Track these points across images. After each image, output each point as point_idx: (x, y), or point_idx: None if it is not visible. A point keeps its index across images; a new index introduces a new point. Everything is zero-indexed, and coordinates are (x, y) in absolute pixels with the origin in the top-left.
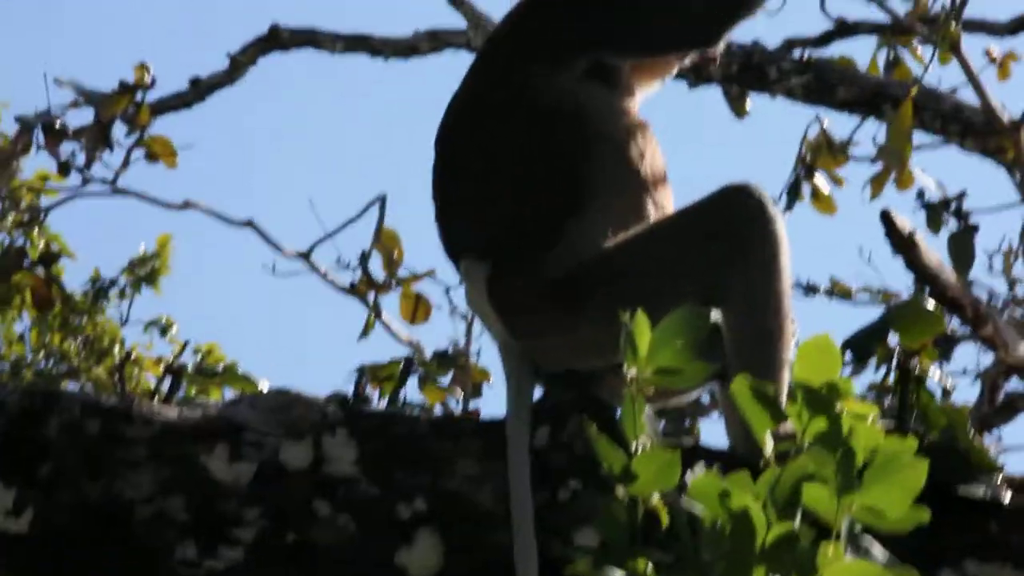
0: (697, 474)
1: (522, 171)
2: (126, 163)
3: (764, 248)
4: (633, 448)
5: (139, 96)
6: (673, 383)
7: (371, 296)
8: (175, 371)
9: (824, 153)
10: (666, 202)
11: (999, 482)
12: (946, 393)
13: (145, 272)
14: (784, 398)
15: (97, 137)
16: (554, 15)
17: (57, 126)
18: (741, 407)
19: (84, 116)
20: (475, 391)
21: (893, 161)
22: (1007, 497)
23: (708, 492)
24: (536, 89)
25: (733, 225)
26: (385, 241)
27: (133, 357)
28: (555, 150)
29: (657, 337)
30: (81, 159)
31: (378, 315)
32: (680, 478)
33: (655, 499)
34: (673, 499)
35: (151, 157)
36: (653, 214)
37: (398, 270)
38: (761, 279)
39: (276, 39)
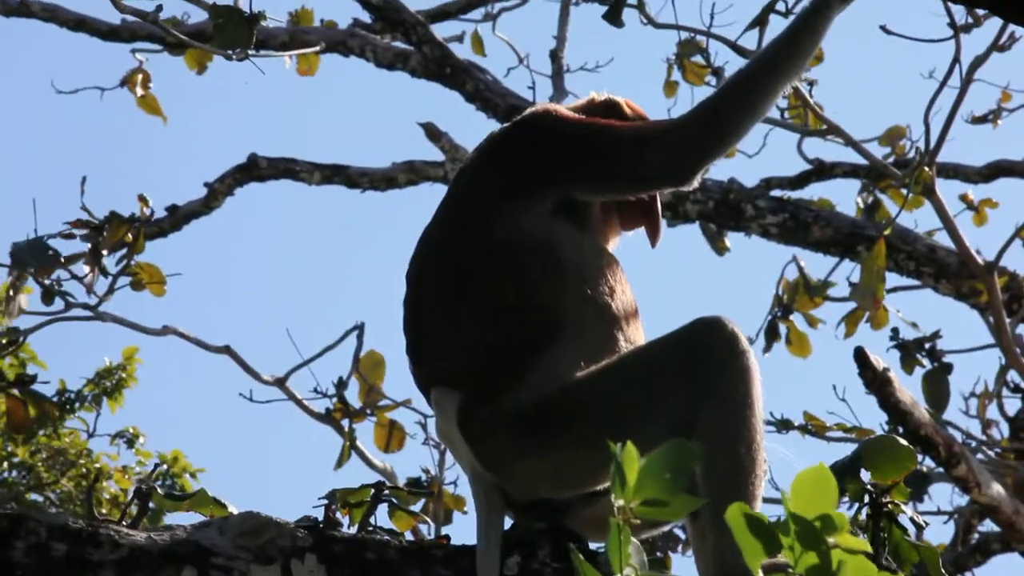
0: None
1: (491, 305)
2: (111, 290)
3: (736, 381)
4: None
5: (135, 227)
6: (660, 515)
7: (346, 423)
8: (144, 493)
9: (801, 294)
10: (637, 337)
11: None
12: (919, 529)
13: (112, 383)
14: None
15: (92, 264)
16: (523, 150)
17: (50, 253)
18: (736, 535)
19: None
20: (447, 519)
21: (867, 300)
22: None
23: None
24: (505, 224)
25: (704, 358)
26: (364, 368)
27: (100, 468)
28: (524, 285)
29: (645, 468)
30: (64, 284)
31: (352, 442)
32: None
33: None
34: None
35: (137, 285)
36: (624, 348)
37: (375, 398)
38: (732, 413)
39: (254, 168)
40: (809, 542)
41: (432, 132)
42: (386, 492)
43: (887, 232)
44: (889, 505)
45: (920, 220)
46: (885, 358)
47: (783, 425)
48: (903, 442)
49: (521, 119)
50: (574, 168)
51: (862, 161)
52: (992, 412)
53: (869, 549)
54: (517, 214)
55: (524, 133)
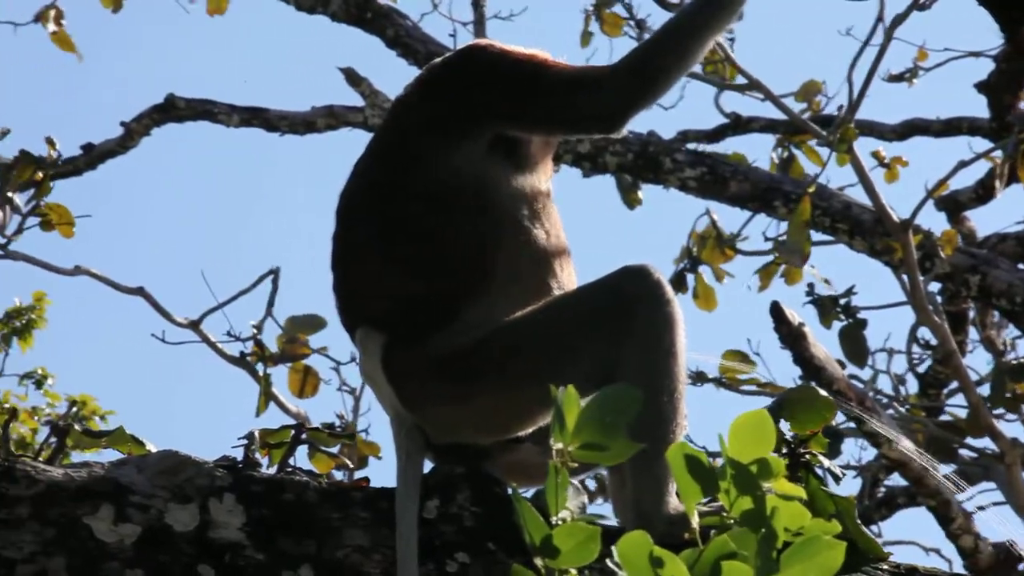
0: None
1: (421, 247)
2: (20, 230)
3: (659, 329)
4: (555, 521)
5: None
6: (598, 459)
7: (261, 368)
8: (62, 429)
9: (711, 247)
10: (568, 281)
11: (885, 570)
12: (836, 480)
13: (21, 324)
14: (670, 481)
15: (1, 203)
16: (461, 84)
17: None
18: (675, 475)
19: None
20: (362, 464)
21: (794, 256)
22: None
23: (637, 557)
24: (439, 161)
25: (629, 306)
26: (298, 325)
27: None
28: (455, 227)
29: (585, 412)
30: None
31: (268, 387)
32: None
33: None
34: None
35: (46, 226)
36: (555, 291)
37: (294, 347)
38: (655, 360)
39: (171, 109)
40: (745, 487)
41: (352, 77)
42: (305, 434)
43: (811, 189)
44: (807, 455)
45: (831, 177)
46: (800, 313)
47: (698, 378)
48: (823, 393)
49: (460, 52)
50: (511, 104)
51: (778, 116)
52: (903, 368)
53: (804, 495)
54: (451, 151)
55: (463, 66)
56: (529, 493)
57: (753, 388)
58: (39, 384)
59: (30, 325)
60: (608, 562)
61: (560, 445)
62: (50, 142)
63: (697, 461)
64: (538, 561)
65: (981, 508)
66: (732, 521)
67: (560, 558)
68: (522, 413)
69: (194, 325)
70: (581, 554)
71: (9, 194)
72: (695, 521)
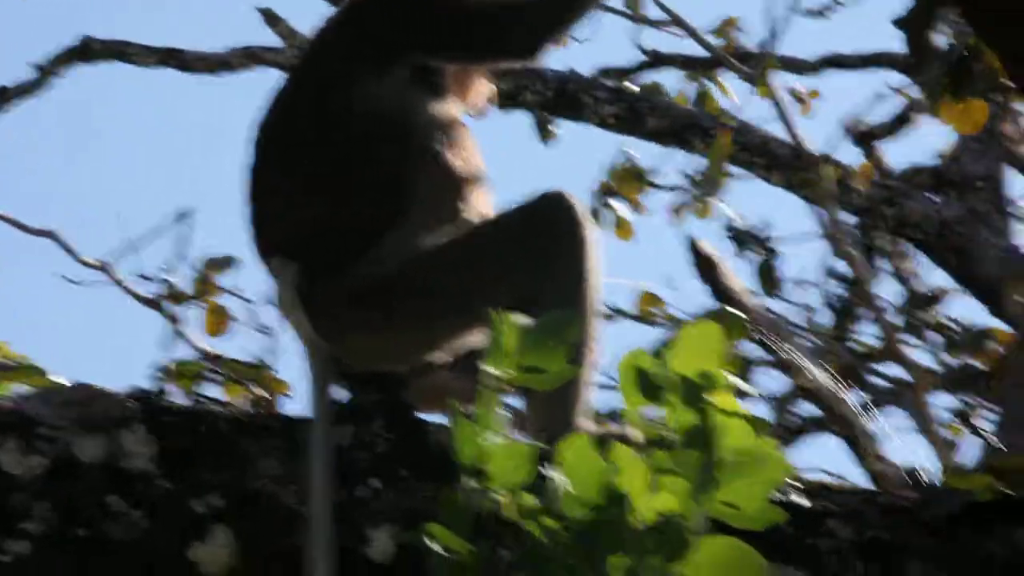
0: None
1: (338, 178)
2: None
3: (577, 256)
4: (487, 442)
5: None
6: (534, 383)
7: (172, 308)
8: None
9: (627, 180)
10: (485, 208)
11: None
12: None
13: None
14: (579, 404)
15: None
16: (377, 19)
17: None
18: (621, 381)
19: None
20: (274, 402)
21: (712, 190)
22: (804, 502)
23: (581, 461)
24: (359, 92)
25: (547, 231)
26: (207, 263)
27: None
28: (374, 154)
29: (524, 336)
30: None
31: (179, 327)
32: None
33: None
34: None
35: None
36: (472, 220)
37: (206, 286)
38: (573, 287)
39: (86, 50)
40: (691, 400)
41: (270, 17)
42: (218, 367)
43: (731, 123)
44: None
45: (748, 113)
46: (717, 247)
47: (615, 312)
48: (737, 313)
49: None
50: (431, 35)
51: (697, 52)
52: (816, 299)
53: (748, 413)
54: (371, 81)
55: None
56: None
57: (668, 322)
58: None
59: None
60: (544, 469)
61: (494, 369)
62: None
63: (644, 373)
64: (472, 483)
65: (890, 435)
66: (674, 436)
67: (495, 478)
68: (439, 340)
69: (105, 267)
70: (516, 474)
71: None
72: (637, 435)
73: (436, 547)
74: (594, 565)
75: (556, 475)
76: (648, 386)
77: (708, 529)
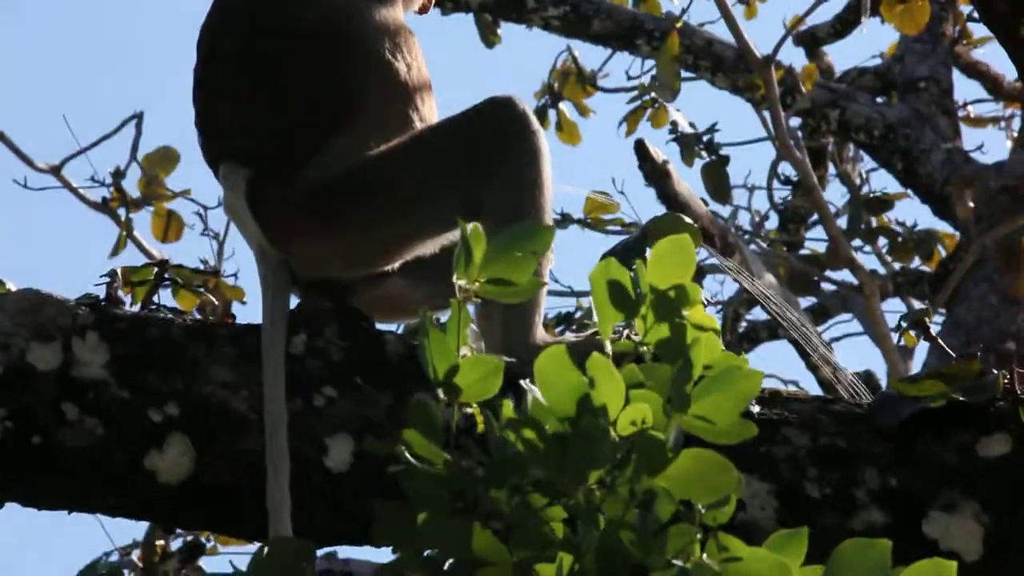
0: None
1: (285, 82)
2: None
3: (526, 161)
4: (457, 354)
5: None
6: (503, 295)
7: (123, 213)
8: None
9: (572, 83)
10: (431, 114)
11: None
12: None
13: None
14: (536, 314)
15: None
16: None
17: None
18: (593, 295)
19: None
20: (227, 309)
21: (664, 92)
22: (754, 408)
23: (557, 373)
24: None
25: (496, 135)
26: (152, 160)
27: None
28: (319, 62)
29: (494, 246)
30: None
31: (129, 231)
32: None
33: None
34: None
35: None
36: (418, 125)
37: (155, 189)
38: (522, 192)
39: None
40: (664, 314)
41: None
42: (168, 272)
43: (678, 24)
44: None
45: (691, 15)
46: (664, 151)
47: (564, 219)
48: (687, 220)
49: None
50: None
51: None
52: (763, 203)
53: (717, 327)
54: None
55: None
56: (395, 328)
57: (618, 228)
58: None
59: None
60: (522, 383)
61: (463, 281)
62: None
63: (619, 284)
64: (441, 394)
65: (838, 339)
66: (646, 349)
67: (464, 391)
68: (390, 246)
69: (55, 171)
70: (484, 387)
71: None
72: (608, 347)
73: (408, 456)
74: (573, 475)
75: (530, 387)
76: (624, 299)
77: (682, 444)
